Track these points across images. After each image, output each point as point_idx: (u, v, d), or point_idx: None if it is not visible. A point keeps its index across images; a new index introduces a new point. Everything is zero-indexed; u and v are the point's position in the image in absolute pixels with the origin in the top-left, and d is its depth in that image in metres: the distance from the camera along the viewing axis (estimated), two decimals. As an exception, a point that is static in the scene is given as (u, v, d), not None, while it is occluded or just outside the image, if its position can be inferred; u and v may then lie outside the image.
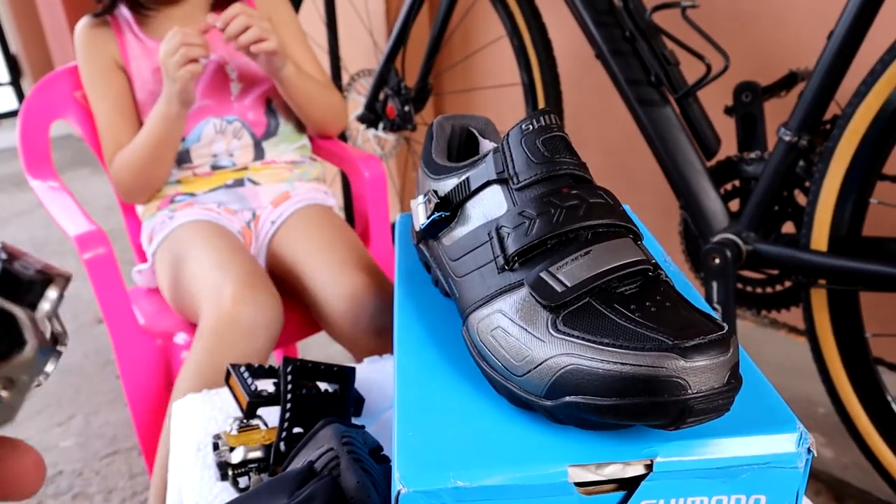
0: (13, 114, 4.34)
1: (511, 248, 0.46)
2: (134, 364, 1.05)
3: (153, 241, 1.14)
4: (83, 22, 1.17)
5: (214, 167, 1.19)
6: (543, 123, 0.50)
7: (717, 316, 0.53)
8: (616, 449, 0.42)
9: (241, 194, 1.18)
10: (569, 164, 0.49)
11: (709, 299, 1.09)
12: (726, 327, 0.40)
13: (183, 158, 1.18)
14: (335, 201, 1.25)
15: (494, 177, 0.50)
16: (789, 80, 1.16)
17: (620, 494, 0.42)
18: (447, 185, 0.55)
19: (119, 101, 1.15)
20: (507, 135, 0.51)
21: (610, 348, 0.39)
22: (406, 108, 1.50)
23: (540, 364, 0.42)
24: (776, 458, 0.42)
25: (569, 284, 0.43)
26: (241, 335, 0.94)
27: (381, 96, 1.55)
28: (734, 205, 1.16)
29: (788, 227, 1.12)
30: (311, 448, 0.56)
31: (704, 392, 0.37)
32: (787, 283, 1.13)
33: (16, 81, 4.32)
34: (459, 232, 0.53)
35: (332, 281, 1.04)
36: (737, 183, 1.16)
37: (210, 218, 1.13)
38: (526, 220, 0.47)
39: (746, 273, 1.17)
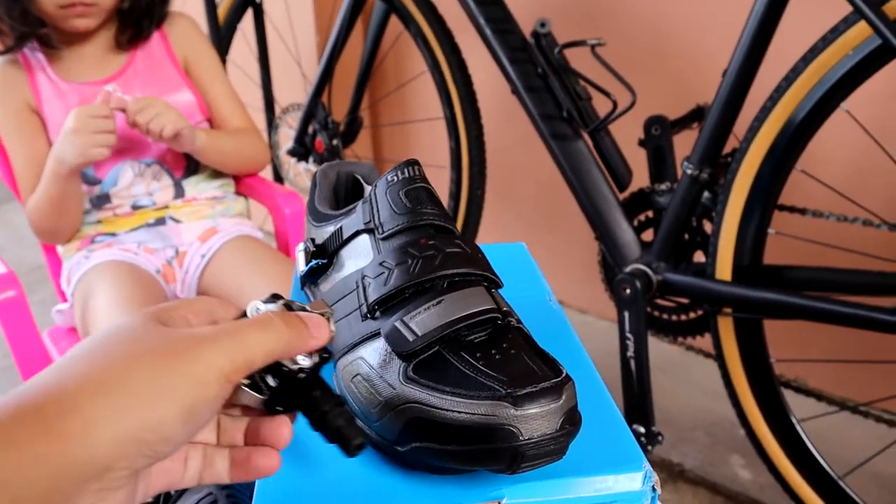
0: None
1: (371, 296, 0.48)
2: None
3: (71, 281, 1.14)
4: None
5: (135, 207, 1.19)
6: (407, 175, 0.52)
7: (577, 358, 0.55)
8: (466, 492, 0.43)
9: (162, 233, 1.18)
10: (430, 214, 0.51)
11: (621, 329, 1.12)
12: (564, 373, 0.42)
13: (102, 200, 1.18)
14: (261, 235, 1.26)
15: (363, 226, 0.52)
16: (697, 114, 1.20)
17: (475, 535, 0.44)
18: (325, 232, 0.57)
19: (32, 145, 1.14)
20: (375, 185, 0.53)
21: (450, 396, 0.41)
22: (334, 142, 1.52)
23: (392, 410, 0.43)
24: (622, 497, 0.44)
25: (419, 333, 0.45)
26: None
27: (310, 130, 1.56)
28: (650, 235, 1.19)
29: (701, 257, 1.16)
30: (192, 493, 0.56)
31: (536, 438, 0.39)
32: (700, 311, 1.17)
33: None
34: (334, 279, 0.54)
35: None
36: (650, 214, 1.20)
37: (125, 258, 1.13)
38: (385, 270, 0.48)
39: (661, 301, 1.20)
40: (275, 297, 0.42)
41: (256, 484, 0.45)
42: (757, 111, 0.97)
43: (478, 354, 0.44)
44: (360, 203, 0.53)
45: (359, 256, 0.52)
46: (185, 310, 0.39)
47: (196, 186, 1.23)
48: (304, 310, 0.42)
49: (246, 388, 0.40)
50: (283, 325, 0.38)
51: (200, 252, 1.17)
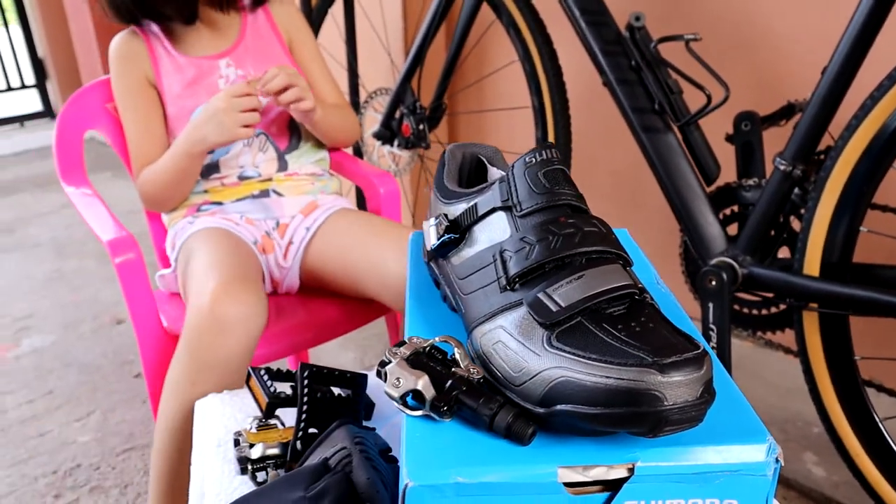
0: (38, 115, 4.43)
1: (513, 270, 0.51)
2: (157, 363, 1.11)
3: (175, 246, 1.20)
4: (118, 38, 1.22)
5: (241, 177, 1.24)
6: (545, 157, 0.55)
7: (698, 337, 0.58)
8: (601, 453, 0.46)
9: (265, 204, 1.24)
10: (567, 195, 0.54)
11: (704, 320, 1.14)
12: (702, 347, 0.45)
13: (211, 170, 1.23)
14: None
15: (500, 204, 0.56)
16: (787, 111, 1.21)
17: (605, 495, 0.47)
18: (457, 209, 0.61)
19: (148, 118, 1.21)
20: (513, 166, 0.56)
21: (597, 363, 0.44)
22: (420, 127, 1.56)
23: (535, 375, 0.47)
24: (746, 466, 0.47)
25: (563, 305, 0.48)
26: (218, 332, 0.96)
27: (397, 114, 1.60)
28: (733, 229, 1.20)
29: (786, 252, 1.17)
30: (326, 446, 0.61)
31: (679, 404, 0.42)
32: (782, 306, 1.18)
33: (41, 84, 4.41)
34: (467, 253, 0.58)
35: (393, 251, 1.10)
36: (735, 208, 1.21)
37: (225, 226, 1.18)
38: (527, 246, 0.52)
39: (743, 295, 1.21)
40: (401, 343, 0.51)
41: (404, 439, 0.48)
42: (854, 109, 0.98)
43: (619, 326, 0.47)
44: (496, 182, 0.57)
45: (493, 232, 0.56)
46: None
47: (298, 160, 1.28)
48: (423, 352, 0.54)
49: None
50: None
51: (304, 225, 1.22)
